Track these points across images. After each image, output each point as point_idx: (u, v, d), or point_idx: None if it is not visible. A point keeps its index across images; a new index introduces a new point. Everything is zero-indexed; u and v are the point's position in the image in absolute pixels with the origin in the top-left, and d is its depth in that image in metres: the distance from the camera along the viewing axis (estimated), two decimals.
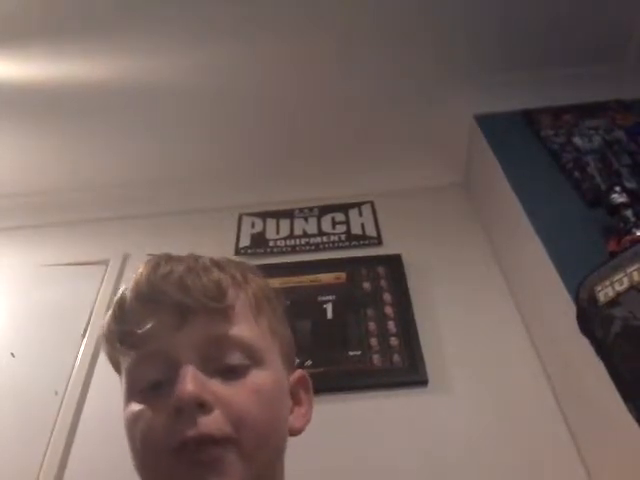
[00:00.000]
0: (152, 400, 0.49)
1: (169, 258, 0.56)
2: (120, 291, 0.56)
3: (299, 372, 0.61)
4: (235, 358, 0.51)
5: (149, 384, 0.50)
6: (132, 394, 0.51)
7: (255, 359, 0.52)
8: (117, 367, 0.56)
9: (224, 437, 0.46)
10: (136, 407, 0.50)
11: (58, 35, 1.68)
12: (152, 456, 0.48)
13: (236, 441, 0.47)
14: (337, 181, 2.15)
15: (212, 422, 0.46)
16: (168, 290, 0.51)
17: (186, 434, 0.46)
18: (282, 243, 2.00)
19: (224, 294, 0.53)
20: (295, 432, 0.56)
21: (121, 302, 0.54)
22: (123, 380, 0.53)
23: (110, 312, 0.55)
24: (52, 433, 1.50)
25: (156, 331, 0.50)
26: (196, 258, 0.57)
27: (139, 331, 0.51)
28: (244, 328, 0.53)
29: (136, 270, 0.55)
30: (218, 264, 0.57)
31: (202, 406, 0.46)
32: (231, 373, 0.50)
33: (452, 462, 1.33)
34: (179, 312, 0.51)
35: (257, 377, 0.51)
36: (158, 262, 0.55)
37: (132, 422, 0.50)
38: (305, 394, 0.60)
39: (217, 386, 0.49)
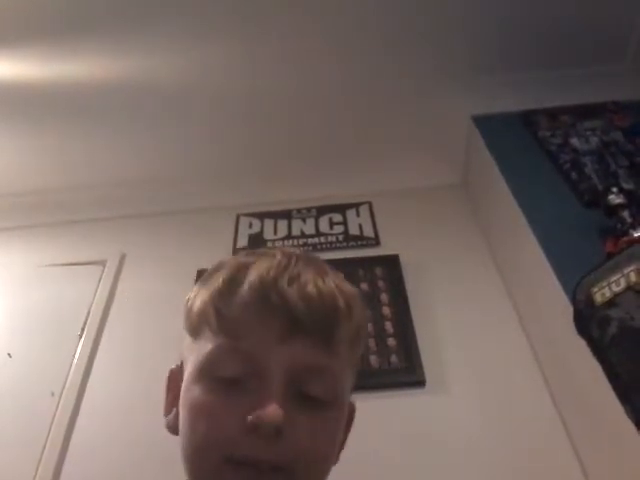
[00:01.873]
0: (225, 395, 0.48)
1: (298, 259, 0.53)
2: (234, 270, 0.53)
3: (352, 403, 0.59)
4: (320, 392, 0.49)
5: (227, 376, 0.48)
6: (205, 377, 0.49)
7: (336, 399, 0.51)
8: (195, 332, 0.53)
9: (284, 466, 0.46)
10: (206, 395, 0.48)
11: (55, 35, 1.68)
12: (207, 454, 0.47)
13: (291, 472, 0.46)
14: (335, 182, 2.15)
15: (280, 450, 0.46)
16: (289, 299, 0.49)
17: (252, 454, 0.45)
18: (280, 243, 2.00)
19: (338, 325, 0.51)
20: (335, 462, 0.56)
21: (236, 284, 0.51)
22: (199, 356, 0.51)
23: (219, 286, 0.52)
24: (49, 434, 1.49)
25: (259, 333, 0.48)
26: (321, 268, 0.55)
27: (244, 325, 0.49)
28: (340, 364, 0.51)
29: (261, 261, 0.52)
30: (338, 284, 0.54)
31: (280, 433, 0.45)
32: (311, 402, 0.48)
33: (450, 462, 1.33)
34: (290, 325, 0.48)
35: (332, 418, 0.50)
36: (289, 262, 0.52)
37: (198, 409, 0.49)
38: (349, 425, 0.59)
39: (296, 415, 0.47)
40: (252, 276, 0.51)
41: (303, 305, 0.49)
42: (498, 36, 1.80)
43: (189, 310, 0.55)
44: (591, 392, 1.19)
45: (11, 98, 1.85)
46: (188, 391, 0.50)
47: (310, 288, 0.50)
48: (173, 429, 0.53)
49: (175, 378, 0.56)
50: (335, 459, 0.55)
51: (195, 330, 0.53)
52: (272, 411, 0.45)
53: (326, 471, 0.52)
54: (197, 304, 0.53)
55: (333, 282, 0.53)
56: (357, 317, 0.54)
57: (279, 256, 0.53)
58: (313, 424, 0.48)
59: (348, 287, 0.55)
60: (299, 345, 0.48)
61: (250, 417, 0.45)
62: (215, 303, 0.51)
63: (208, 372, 0.49)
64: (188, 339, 0.54)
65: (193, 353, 0.52)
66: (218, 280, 0.53)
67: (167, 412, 0.56)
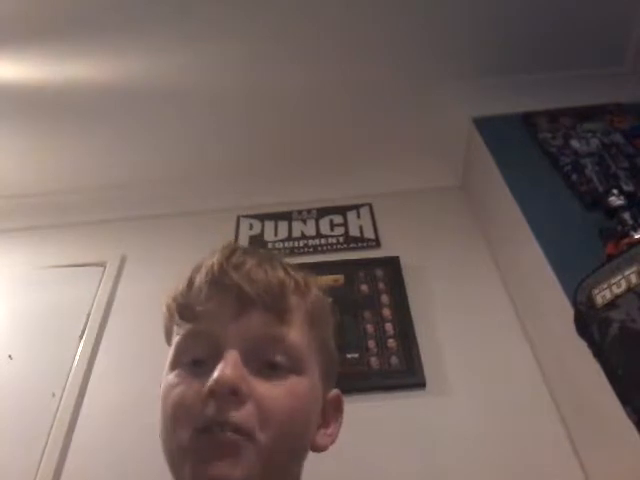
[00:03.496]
0: (190, 375, 0.51)
1: (244, 251, 0.58)
2: (192, 271, 0.58)
3: (335, 392, 0.61)
4: (279, 358, 0.52)
5: (192, 360, 0.52)
6: (175, 364, 0.53)
7: (297, 365, 0.53)
8: (169, 338, 0.58)
9: (248, 430, 0.47)
10: (174, 378, 0.52)
11: (57, 37, 1.68)
12: (176, 428, 0.49)
13: (258, 438, 0.48)
14: (335, 183, 2.16)
15: (241, 413, 0.47)
16: (235, 278, 0.53)
17: (213, 418, 0.47)
18: (280, 245, 2.00)
19: (285, 296, 0.55)
20: (318, 448, 0.57)
21: (191, 279, 0.56)
22: (171, 351, 0.55)
23: (179, 287, 0.57)
24: (49, 434, 1.49)
25: (213, 312, 0.53)
26: (270, 256, 0.59)
27: (199, 308, 0.53)
28: (295, 334, 0.54)
29: (211, 255, 0.58)
30: (286, 267, 0.58)
31: (235, 394, 0.48)
32: (271, 371, 0.51)
33: (450, 464, 1.33)
34: (240, 301, 0.53)
35: (295, 382, 0.52)
36: (234, 251, 0.57)
37: (166, 391, 0.52)
38: (336, 415, 0.60)
39: (255, 381, 0.50)
40: (204, 268, 0.56)
41: (251, 283, 0.53)
42: (498, 38, 1.81)
43: (164, 320, 0.59)
44: (592, 393, 1.19)
45: (12, 100, 1.85)
46: (163, 381, 0.54)
47: (256, 269, 0.55)
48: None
49: None
50: (318, 445, 0.56)
51: (168, 334, 0.58)
52: (224, 372, 0.48)
53: (300, 447, 0.53)
54: (164, 311, 0.59)
55: (281, 267, 0.58)
56: (312, 296, 0.59)
57: (225, 248, 0.58)
58: (274, 388, 0.50)
59: (303, 274, 0.60)
60: (252, 318, 0.52)
61: (208, 382, 0.48)
62: (176, 300, 0.56)
63: (177, 360, 0.53)
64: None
65: (169, 353, 0.56)
66: (179, 283, 0.58)
67: None
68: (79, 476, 1.42)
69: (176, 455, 0.49)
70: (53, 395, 1.58)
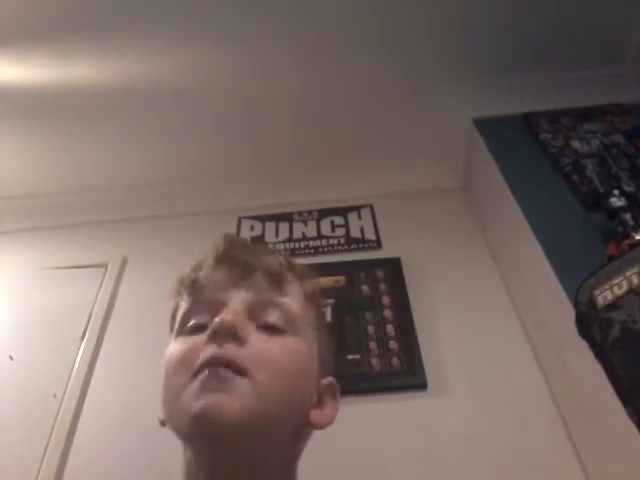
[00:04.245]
0: (194, 336, 0.53)
1: (245, 239, 0.63)
2: (201, 258, 0.61)
3: (330, 378, 0.62)
4: (277, 320, 0.55)
5: (196, 324, 0.54)
6: (179, 332, 0.56)
7: (294, 329, 0.55)
8: (175, 312, 0.60)
9: (243, 367, 0.49)
10: (178, 344, 0.54)
11: (58, 37, 1.68)
12: (177, 377, 0.50)
13: (252, 375, 0.49)
14: (336, 184, 2.16)
15: (239, 352, 0.49)
16: (238, 252, 0.59)
17: (212, 353, 0.49)
18: (281, 246, 1.99)
19: (284, 271, 0.59)
20: (315, 425, 0.57)
21: (200, 260, 0.60)
22: (176, 322, 0.58)
23: (188, 270, 0.61)
24: (51, 435, 1.50)
25: (218, 281, 0.57)
26: (268, 246, 0.67)
27: (205, 280, 0.57)
28: (292, 303, 0.57)
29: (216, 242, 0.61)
30: (285, 256, 0.63)
31: (235, 337, 0.50)
32: (271, 330, 0.54)
33: (452, 465, 1.33)
34: (243, 270, 0.57)
35: (291, 340, 0.55)
36: (236, 239, 0.63)
37: (169, 354, 0.54)
38: (331, 400, 0.61)
39: (254, 333, 0.52)
40: (210, 254, 0.60)
41: (252, 257, 0.58)
42: (499, 38, 1.81)
43: (172, 302, 0.62)
44: (593, 394, 1.18)
45: (13, 101, 1.85)
46: (168, 349, 0.55)
47: (256, 248, 0.63)
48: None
49: None
50: (314, 422, 0.56)
51: (174, 315, 0.60)
52: (226, 315, 0.51)
53: (293, 404, 0.54)
54: (173, 291, 0.62)
55: (280, 255, 0.62)
56: (305, 285, 0.62)
57: (227, 235, 0.62)
58: (271, 341, 0.53)
59: (298, 264, 0.64)
60: (252, 285, 0.56)
61: (210, 326, 0.51)
62: (184, 278, 0.60)
63: (182, 327, 0.56)
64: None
65: (174, 327, 0.58)
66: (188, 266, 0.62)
67: None
68: (80, 477, 1.42)
69: (173, 396, 0.50)
70: (54, 396, 1.58)
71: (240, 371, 0.48)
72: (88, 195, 2.21)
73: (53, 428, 1.51)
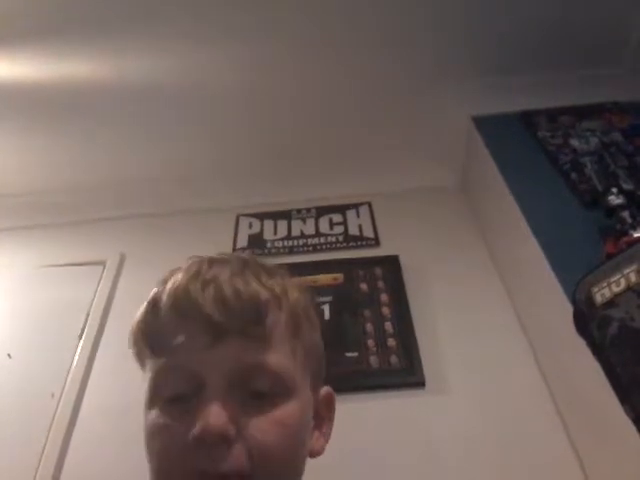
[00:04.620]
0: (174, 413, 0.48)
1: (212, 263, 0.53)
2: (156, 290, 0.53)
3: (326, 390, 0.59)
4: (265, 387, 0.49)
5: (172, 395, 0.49)
6: (154, 401, 0.50)
7: (285, 389, 0.50)
8: (142, 365, 0.55)
9: (240, 474, 0.45)
10: (157, 418, 0.49)
11: (56, 36, 1.67)
12: (166, 473, 0.47)
13: (252, 474, 0.46)
14: (335, 182, 2.16)
15: (231, 458, 0.45)
16: (205, 306, 0.49)
17: (203, 468, 0.45)
18: (280, 244, 2.00)
19: (263, 317, 0.50)
20: (315, 454, 0.55)
21: (156, 305, 0.52)
22: (147, 383, 0.52)
23: (143, 311, 0.54)
24: (49, 435, 1.49)
25: (187, 345, 0.49)
26: (241, 265, 0.54)
27: (169, 340, 0.49)
28: (279, 356, 0.50)
29: (176, 274, 0.53)
30: (260, 276, 0.53)
31: (225, 440, 0.45)
32: (258, 400, 0.48)
33: (450, 464, 1.33)
34: (213, 331, 0.48)
35: (285, 409, 0.49)
36: (200, 268, 0.52)
37: (151, 433, 0.49)
38: (328, 412, 0.59)
39: (241, 416, 0.46)
40: (168, 291, 0.51)
41: (220, 307, 0.49)
42: (498, 37, 1.81)
43: (131, 347, 0.56)
44: (591, 392, 1.19)
45: (11, 99, 1.84)
46: (144, 420, 0.50)
47: (225, 288, 0.50)
48: None
49: None
50: (315, 451, 0.55)
51: (140, 360, 0.55)
52: (213, 420, 0.44)
53: (296, 466, 0.51)
54: (130, 337, 0.56)
55: (254, 277, 0.52)
56: (290, 303, 0.54)
57: (191, 264, 0.54)
58: (264, 421, 0.47)
59: (276, 280, 0.55)
60: (228, 347, 0.48)
61: (193, 431, 0.44)
62: (143, 329, 0.53)
63: (156, 396, 0.50)
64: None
65: (145, 383, 0.52)
66: (143, 306, 0.54)
67: None
68: (78, 476, 1.42)
69: (162, 474, 0.47)
70: (52, 395, 1.58)
71: (238, 477, 0.45)
72: (86, 193, 2.21)
73: (51, 427, 1.51)
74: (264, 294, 0.51)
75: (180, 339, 0.49)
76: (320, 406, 0.57)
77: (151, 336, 0.52)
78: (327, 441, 0.57)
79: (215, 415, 0.45)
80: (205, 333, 0.48)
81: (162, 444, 0.47)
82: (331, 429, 0.58)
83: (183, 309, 0.50)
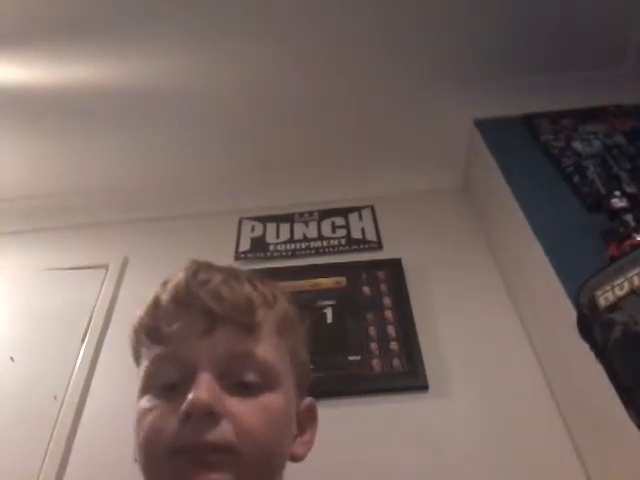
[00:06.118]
0: (164, 399, 0.51)
1: (210, 267, 0.58)
2: (159, 289, 0.58)
3: (308, 400, 0.62)
4: (252, 376, 0.52)
5: (164, 383, 0.52)
6: (147, 389, 0.54)
7: (270, 381, 0.53)
8: (137, 359, 0.58)
9: (226, 445, 0.47)
10: (148, 403, 0.52)
11: (59, 38, 1.68)
12: (154, 453, 0.49)
13: (237, 452, 0.48)
14: (337, 185, 2.16)
15: (218, 431, 0.47)
16: (202, 296, 0.53)
17: (191, 439, 0.47)
18: (282, 247, 1.99)
19: (253, 310, 0.55)
20: (296, 458, 0.57)
21: (157, 300, 0.56)
22: (141, 373, 0.55)
23: (145, 307, 0.58)
24: (51, 438, 1.49)
25: (182, 333, 0.52)
26: (236, 272, 0.59)
27: (166, 329, 0.53)
28: (266, 349, 0.54)
29: (176, 273, 0.58)
30: (252, 281, 0.59)
31: (211, 415, 0.48)
32: (245, 389, 0.51)
33: (453, 466, 1.33)
34: (208, 319, 0.52)
35: (268, 399, 0.52)
36: (198, 269, 0.57)
37: (141, 416, 0.52)
38: (311, 422, 0.61)
39: (229, 400, 0.50)
40: (168, 288, 0.56)
41: (216, 299, 0.53)
42: (500, 39, 1.81)
43: (130, 342, 0.61)
44: (594, 396, 1.18)
45: (14, 101, 1.85)
46: (137, 405, 0.54)
47: (222, 285, 0.55)
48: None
49: None
50: (296, 455, 0.57)
51: (136, 352, 0.59)
52: (199, 394, 0.48)
53: (278, 460, 0.54)
54: (131, 332, 0.60)
55: (247, 282, 0.58)
56: (279, 308, 0.59)
57: (191, 264, 0.59)
58: (248, 405, 0.50)
59: (268, 288, 0.60)
60: (219, 336, 0.52)
61: (182, 407, 0.48)
62: (143, 322, 0.57)
63: (149, 384, 0.54)
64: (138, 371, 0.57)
65: (139, 377, 0.56)
66: (145, 304, 0.58)
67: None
68: (81, 479, 1.42)
69: (154, 477, 0.50)
70: (55, 398, 1.58)
71: (223, 450, 0.47)
72: (89, 196, 2.21)
73: (54, 430, 1.51)
74: (256, 295, 0.57)
75: (176, 327, 0.53)
76: (303, 414, 0.60)
77: (150, 325, 0.55)
78: (309, 449, 0.59)
79: (204, 390, 0.48)
80: (199, 322, 0.52)
81: (152, 420, 0.50)
82: (314, 438, 0.61)
83: (182, 300, 0.54)
